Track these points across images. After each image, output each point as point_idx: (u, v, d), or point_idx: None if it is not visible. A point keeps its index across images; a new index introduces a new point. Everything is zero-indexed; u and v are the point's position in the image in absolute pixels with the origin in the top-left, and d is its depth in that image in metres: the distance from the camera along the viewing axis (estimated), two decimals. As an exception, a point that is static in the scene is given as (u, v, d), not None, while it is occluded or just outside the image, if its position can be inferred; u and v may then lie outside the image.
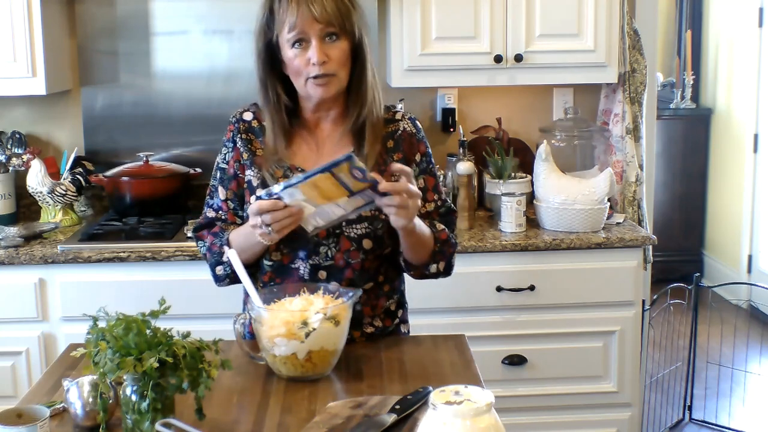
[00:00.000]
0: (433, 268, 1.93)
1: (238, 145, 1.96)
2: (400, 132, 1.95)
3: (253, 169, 1.93)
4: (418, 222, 1.83)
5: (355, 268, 1.91)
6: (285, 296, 1.79)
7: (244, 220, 1.94)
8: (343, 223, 1.86)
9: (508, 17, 3.05)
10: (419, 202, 1.76)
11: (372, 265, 1.93)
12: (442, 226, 1.94)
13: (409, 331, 2.10)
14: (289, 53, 1.84)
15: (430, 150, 2.00)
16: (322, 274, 1.90)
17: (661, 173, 5.43)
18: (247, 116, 1.98)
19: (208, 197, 2.01)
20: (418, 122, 2.00)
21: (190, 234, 2.88)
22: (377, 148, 1.91)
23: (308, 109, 1.93)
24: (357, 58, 1.87)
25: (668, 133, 5.67)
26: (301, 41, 1.82)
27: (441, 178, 2.10)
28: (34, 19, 2.98)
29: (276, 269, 1.93)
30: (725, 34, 5.73)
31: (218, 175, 1.99)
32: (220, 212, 1.98)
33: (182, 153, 3.37)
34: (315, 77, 1.82)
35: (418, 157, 1.96)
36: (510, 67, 3.08)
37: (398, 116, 1.97)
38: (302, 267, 1.91)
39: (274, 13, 1.85)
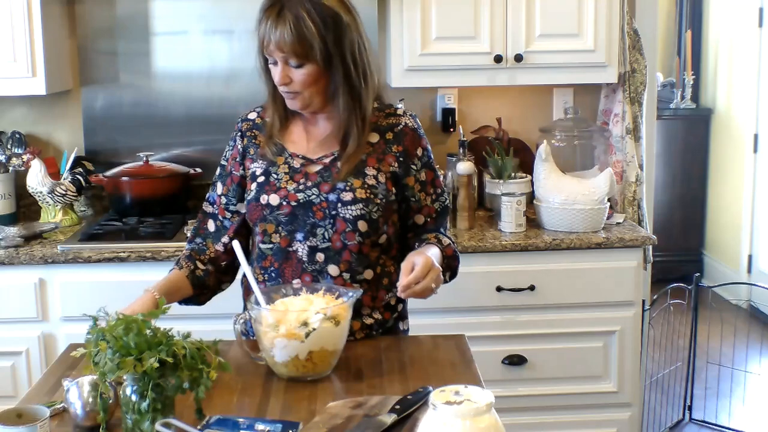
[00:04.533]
0: None
1: (238, 144, 2.05)
2: (401, 126, 2.00)
3: (259, 161, 2.01)
4: (433, 254, 1.90)
5: (352, 251, 1.93)
6: (284, 292, 1.81)
7: (233, 214, 2.05)
8: (339, 204, 1.92)
9: (508, 17, 3.05)
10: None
11: (370, 253, 1.96)
12: (448, 241, 2.03)
13: (408, 329, 2.11)
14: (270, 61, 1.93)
15: (429, 146, 2.06)
16: (320, 256, 1.93)
17: (661, 173, 5.44)
18: (252, 116, 2.08)
19: (209, 191, 2.11)
20: (417, 119, 2.07)
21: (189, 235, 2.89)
22: (362, 151, 1.96)
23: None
24: (332, 75, 1.91)
25: (668, 133, 5.66)
26: (271, 58, 1.90)
27: (441, 177, 2.13)
28: (34, 19, 2.98)
29: (276, 253, 1.96)
30: (725, 34, 5.73)
31: (218, 171, 2.10)
32: (214, 206, 2.09)
33: (182, 153, 3.37)
34: (283, 91, 1.92)
35: (419, 152, 2.01)
36: (510, 67, 3.08)
37: (399, 112, 2.03)
38: (300, 249, 1.94)
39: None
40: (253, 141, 2.03)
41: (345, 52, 1.89)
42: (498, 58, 3.06)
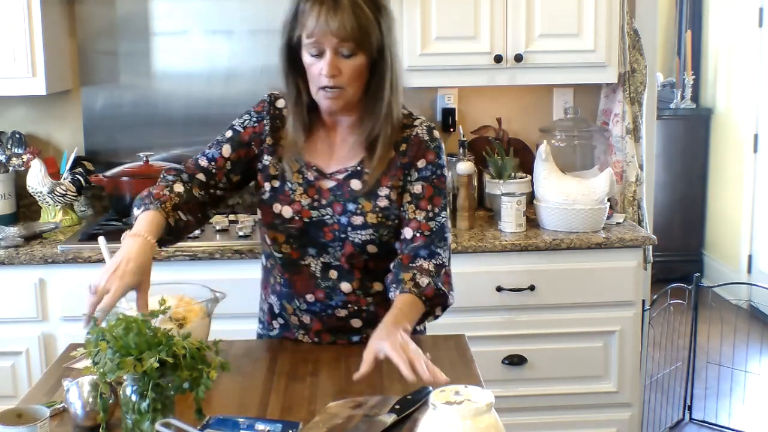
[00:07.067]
0: (431, 318, 1.89)
1: (265, 122, 1.93)
2: (412, 136, 1.92)
3: (274, 156, 1.92)
4: (400, 313, 1.74)
5: (361, 270, 1.91)
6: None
7: (230, 183, 1.94)
8: (349, 228, 1.86)
9: (508, 17, 3.05)
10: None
11: (378, 267, 1.91)
12: (427, 281, 1.80)
13: (425, 328, 2.07)
14: (306, 58, 1.82)
15: (442, 162, 1.94)
16: (333, 273, 1.92)
17: (661, 173, 5.43)
18: (280, 103, 1.95)
19: (207, 147, 1.97)
20: (436, 132, 1.96)
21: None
22: (387, 160, 1.88)
23: (324, 111, 1.91)
24: (375, 71, 1.84)
25: (668, 133, 5.66)
26: (317, 50, 1.79)
27: (445, 200, 1.96)
28: (34, 19, 2.98)
29: (285, 263, 1.94)
30: (725, 34, 5.73)
31: (230, 134, 1.96)
32: (213, 164, 1.94)
33: (182, 153, 3.36)
34: (324, 88, 1.81)
35: (421, 163, 1.91)
36: (510, 67, 3.08)
37: (417, 122, 1.95)
38: (313, 264, 1.92)
39: (298, 14, 1.81)
40: (274, 133, 1.93)
41: (393, 46, 1.84)
42: (498, 58, 3.05)
